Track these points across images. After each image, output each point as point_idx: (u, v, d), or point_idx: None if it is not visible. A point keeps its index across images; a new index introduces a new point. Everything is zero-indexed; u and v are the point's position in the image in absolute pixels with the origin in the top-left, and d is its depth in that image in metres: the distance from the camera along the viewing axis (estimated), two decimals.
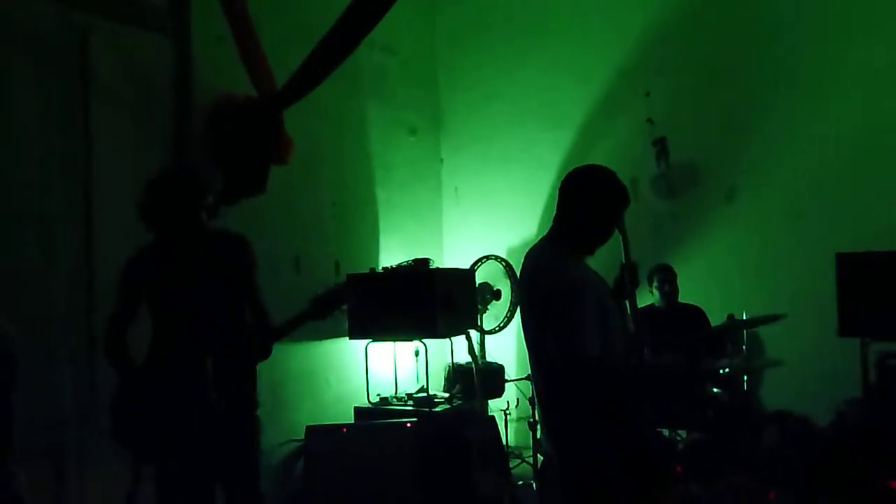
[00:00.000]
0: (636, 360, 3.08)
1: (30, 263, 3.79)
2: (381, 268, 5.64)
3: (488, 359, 6.18)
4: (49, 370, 3.78)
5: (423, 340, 5.37)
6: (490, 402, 5.83)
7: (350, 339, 5.42)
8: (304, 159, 5.08)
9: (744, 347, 4.72)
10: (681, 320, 5.31)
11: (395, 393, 5.60)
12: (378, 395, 5.50)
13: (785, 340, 5.26)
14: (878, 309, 4.65)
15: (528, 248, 3.08)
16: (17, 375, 2.72)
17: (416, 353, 5.58)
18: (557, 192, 3.01)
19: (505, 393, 6.00)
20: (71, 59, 4.01)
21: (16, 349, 2.71)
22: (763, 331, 5.36)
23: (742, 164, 5.97)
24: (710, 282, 5.81)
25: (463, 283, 5.69)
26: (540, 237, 3.09)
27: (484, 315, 6.16)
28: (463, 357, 5.68)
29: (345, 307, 3.40)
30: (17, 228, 3.74)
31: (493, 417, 5.35)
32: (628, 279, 3.08)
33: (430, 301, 5.14)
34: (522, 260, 3.06)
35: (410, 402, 5.36)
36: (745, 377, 4.78)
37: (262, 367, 3.24)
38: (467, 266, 6.29)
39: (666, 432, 4.78)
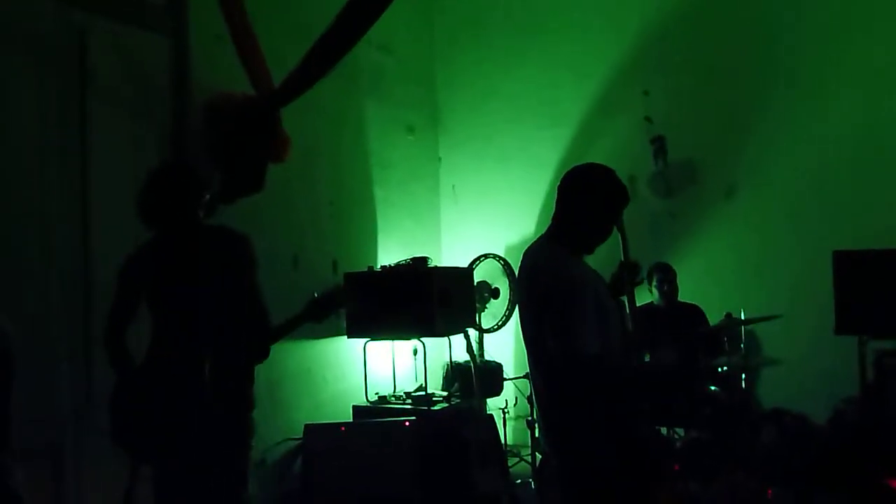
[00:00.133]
0: (635, 359, 3.08)
1: (28, 262, 3.78)
2: (379, 266, 5.64)
3: (487, 357, 6.19)
4: (47, 369, 3.77)
5: (422, 339, 5.37)
6: (488, 400, 5.84)
7: (348, 337, 5.42)
8: (302, 158, 5.07)
9: (742, 346, 4.72)
10: (679, 319, 5.31)
11: (394, 391, 5.61)
12: (376, 393, 5.51)
13: (783, 339, 5.27)
14: (876, 307, 4.65)
15: (527, 246, 3.08)
16: (15, 373, 2.72)
17: (415, 352, 5.58)
18: (556, 191, 3.02)
19: (503, 391, 6.01)
20: (69, 58, 4.00)
21: (13, 347, 2.71)
22: (761, 329, 5.36)
23: (740, 163, 5.97)
24: (708, 280, 5.82)
25: (461, 281, 5.69)
26: (538, 235, 3.09)
27: (482, 314, 6.16)
28: (461, 356, 5.68)
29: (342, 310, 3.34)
30: (16, 227, 3.73)
31: (491, 416, 5.34)
32: (628, 277, 3.08)
33: (428, 300, 5.14)
34: (521, 258, 3.06)
35: (409, 401, 5.36)
36: (743, 375, 4.79)
37: (261, 366, 3.22)
38: (465, 264, 6.29)
39: (664, 431, 4.79)
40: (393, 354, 5.75)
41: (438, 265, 5.73)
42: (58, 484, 3.79)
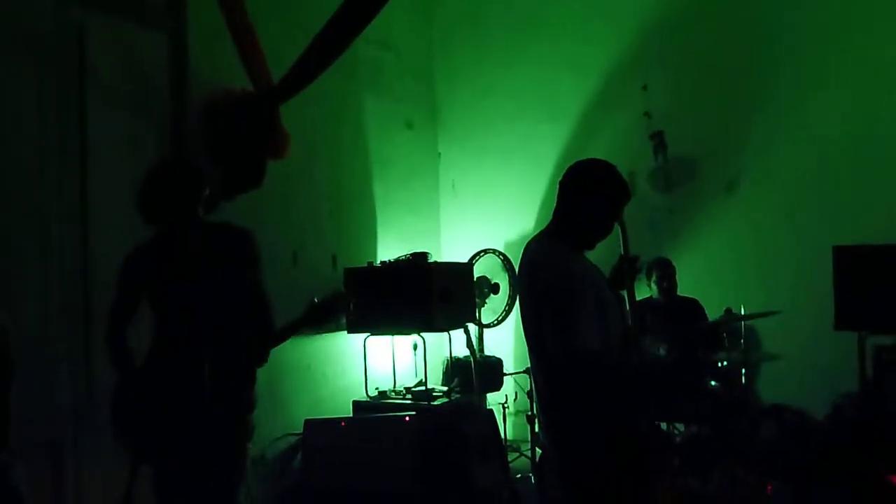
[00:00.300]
0: (635, 355, 3.08)
1: (27, 261, 3.78)
2: (378, 262, 5.64)
3: (486, 352, 6.19)
4: (46, 367, 3.77)
5: (422, 334, 5.37)
6: (488, 395, 5.84)
7: (348, 332, 5.42)
8: (301, 154, 5.07)
9: (741, 341, 4.72)
10: (678, 314, 5.31)
11: (394, 387, 5.61)
12: (376, 388, 5.51)
13: (782, 334, 5.27)
14: (875, 302, 4.65)
15: (526, 241, 3.08)
16: (14, 370, 2.72)
17: (415, 347, 5.58)
18: (557, 187, 3.01)
19: (503, 386, 6.02)
20: (68, 55, 3.99)
21: (11, 343, 2.71)
22: (760, 324, 5.36)
23: (740, 158, 5.97)
24: (707, 275, 5.82)
25: (461, 276, 5.69)
26: (538, 231, 3.09)
27: (482, 309, 6.16)
28: (461, 351, 5.68)
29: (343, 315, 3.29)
30: (15, 225, 3.73)
31: (491, 411, 5.35)
32: (627, 270, 3.08)
33: (428, 295, 5.14)
34: (521, 254, 3.06)
35: (409, 396, 5.37)
36: (743, 371, 4.79)
37: None
38: (465, 260, 6.29)
39: (664, 426, 4.79)
40: (393, 350, 5.75)
41: (438, 260, 5.73)
42: (57, 482, 3.79)
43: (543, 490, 4.74)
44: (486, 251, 6.36)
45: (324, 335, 5.56)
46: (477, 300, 6.02)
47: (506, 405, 5.96)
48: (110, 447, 3.44)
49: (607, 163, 3.02)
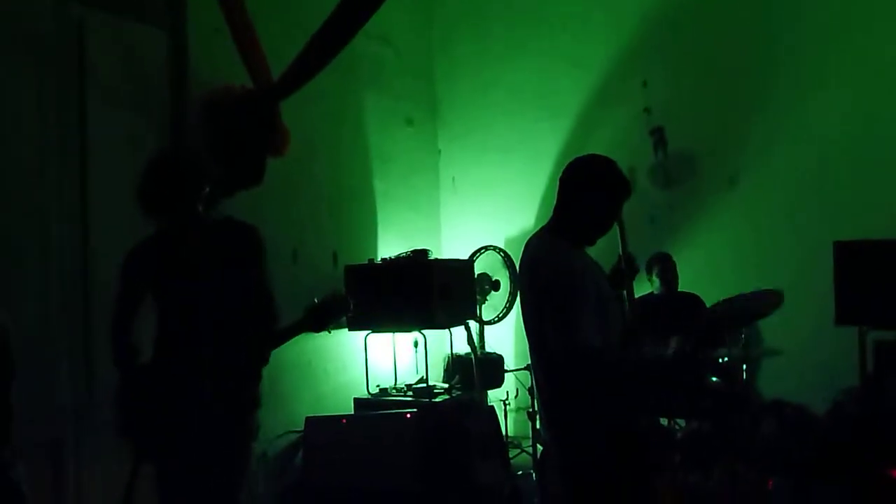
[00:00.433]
0: (635, 351, 3.09)
1: (27, 258, 3.78)
2: (379, 259, 5.64)
3: (487, 349, 6.19)
4: (47, 365, 3.77)
5: (422, 331, 5.37)
6: (489, 392, 5.85)
7: (349, 330, 5.43)
8: (301, 151, 5.07)
9: (742, 337, 4.72)
10: (679, 309, 5.31)
11: (395, 384, 5.61)
12: (377, 386, 5.51)
13: (783, 330, 5.26)
14: (876, 297, 4.65)
15: (527, 238, 3.08)
16: (14, 368, 2.72)
17: (416, 344, 5.58)
18: (558, 183, 3.01)
19: (504, 383, 6.02)
20: (68, 52, 3.99)
21: (12, 341, 2.71)
22: (761, 320, 5.36)
23: (740, 154, 5.97)
24: (707, 271, 5.81)
25: (461, 273, 5.69)
26: (538, 227, 3.09)
27: (483, 306, 6.16)
28: (462, 348, 5.69)
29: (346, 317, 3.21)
30: (14, 224, 3.73)
31: (492, 408, 5.35)
32: (626, 270, 3.08)
33: (428, 292, 5.14)
34: (521, 250, 3.06)
35: (410, 393, 5.37)
36: (744, 367, 4.79)
37: None
38: (466, 257, 6.29)
39: (665, 422, 4.79)
40: (394, 347, 5.75)
41: (439, 257, 5.73)
42: (58, 481, 3.79)
43: (544, 486, 4.74)
44: (486, 248, 6.36)
45: (324, 332, 5.55)
46: (478, 297, 6.02)
47: (507, 402, 5.97)
48: (111, 446, 3.45)
49: (607, 159, 3.02)
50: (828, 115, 5.61)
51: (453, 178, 7.14)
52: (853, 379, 4.73)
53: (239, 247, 3.05)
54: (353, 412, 5.29)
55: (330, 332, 3.13)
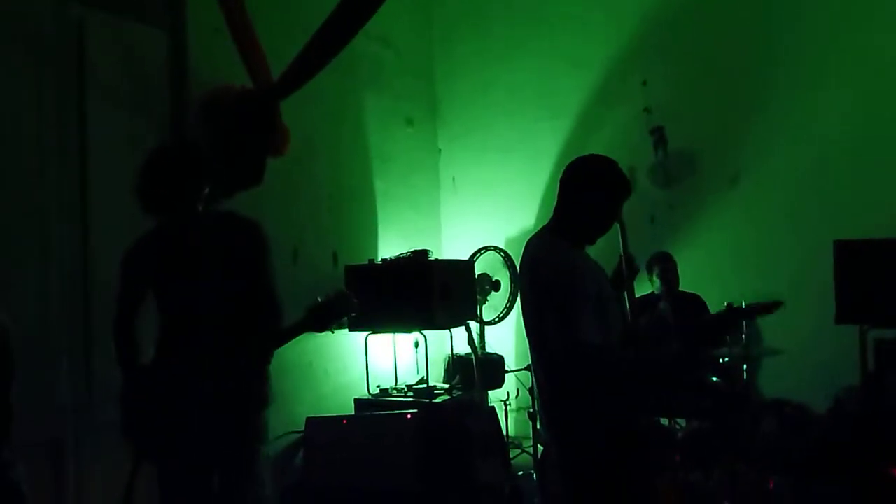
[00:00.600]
0: (635, 350, 3.09)
1: (26, 257, 3.77)
2: (379, 259, 5.64)
3: (488, 350, 6.19)
4: (47, 364, 3.77)
5: (423, 332, 5.37)
6: (490, 392, 5.84)
7: (349, 330, 5.42)
8: (301, 151, 5.07)
9: (742, 336, 4.72)
10: (681, 309, 5.31)
11: (395, 384, 5.61)
12: (378, 386, 5.51)
13: (783, 329, 5.26)
14: (876, 296, 4.65)
15: (527, 238, 3.08)
16: (14, 368, 2.72)
17: (416, 345, 5.58)
18: (558, 183, 3.01)
19: (505, 384, 6.01)
20: (67, 52, 3.99)
21: (12, 341, 2.70)
22: (761, 319, 5.37)
23: (740, 153, 5.97)
24: (707, 271, 5.81)
25: (462, 274, 5.69)
26: (538, 227, 3.09)
27: (483, 306, 6.16)
28: (462, 348, 5.68)
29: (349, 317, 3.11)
30: (13, 221, 3.73)
31: (493, 408, 5.35)
32: (627, 270, 3.09)
33: (429, 292, 5.14)
34: (522, 250, 3.06)
35: (410, 394, 5.36)
36: (744, 366, 4.79)
37: None
38: (466, 257, 6.28)
39: (665, 421, 4.79)
40: (394, 347, 5.75)
41: (439, 258, 5.73)
42: (58, 480, 3.79)
43: (545, 486, 4.75)
44: (486, 248, 6.36)
45: (325, 332, 5.55)
46: (478, 297, 6.02)
47: (507, 402, 5.96)
48: (111, 445, 3.45)
49: (608, 158, 3.03)
50: (828, 115, 5.61)
51: (453, 178, 7.14)
52: (853, 378, 4.73)
53: (241, 243, 3.01)
54: (353, 413, 5.29)
55: (333, 333, 3.07)
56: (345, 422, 4.65)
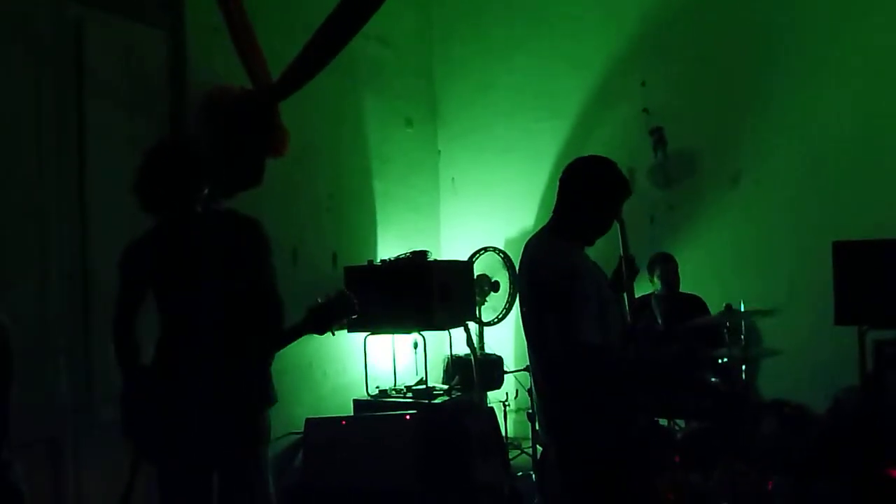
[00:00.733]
0: (634, 351, 3.09)
1: (25, 256, 3.77)
2: (378, 260, 5.64)
3: (487, 350, 6.19)
4: (46, 365, 3.77)
5: (422, 332, 5.37)
6: (489, 393, 5.84)
7: (348, 331, 5.42)
8: (301, 151, 5.06)
9: (741, 337, 4.71)
10: (681, 310, 5.31)
11: (394, 385, 5.60)
12: (377, 387, 5.51)
13: (782, 329, 5.26)
14: (875, 297, 4.66)
15: (526, 239, 3.08)
16: (13, 366, 2.71)
17: (415, 346, 5.57)
18: (558, 183, 3.02)
19: (504, 384, 6.01)
20: (66, 51, 3.98)
21: (11, 341, 2.70)
22: (761, 320, 5.36)
23: (739, 154, 5.98)
24: (706, 271, 5.82)
25: (461, 274, 5.69)
26: (538, 228, 3.09)
27: (482, 307, 6.16)
28: (461, 349, 5.68)
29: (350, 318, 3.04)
30: (12, 221, 3.72)
31: (492, 409, 5.35)
32: (626, 270, 3.09)
33: (428, 293, 5.14)
34: (521, 251, 3.06)
35: (409, 395, 5.36)
36: (743, 366, 4.79)
37: None
38: (465, 258, 6.28)
39: (665, 422, 4.79)
40: (393, 348, 5.74)
41: (438, 258, 5.73)
42: (57, 480, 3.78)
43: (544, 487, 4.75)
44: (486, 249, 6.36)
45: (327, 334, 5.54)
46: (477, 298, 6.02)
47: (506, 403, 5.96)
48: (110, 445, 3.45)
49: (607, 159, 3.03)
50: (828, 115, 5.62)
51: (453, 179, 7.14)
52: (852, 378, 4.73)
53: (242, 242, 2.99)
54: (352, 413, 5.29)
55: (334, 335, 3.05)
56: (344, 423, 4.65)
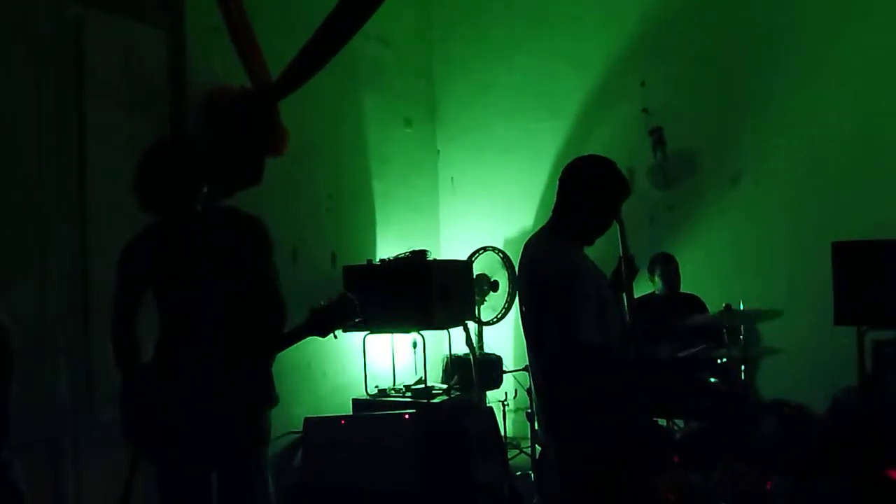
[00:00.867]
0: (634, 351, 3.09)
1: (25, 256, 3.77)
2: (378, 260, 5.63)
3: (486, 350, 6.19)
4: (46, 365, 3.77)
5: (421, 332, 5.37)
6: (488, 393, 5.84)
7: (347, 331, 5.41)
8: (300, 151, 5.06)
9: (741, 337, 4.72)
10: (680, 310, 5.31)
11: (393, 385, 5.60)
12: (376, 386, 5.50)
13: (782, 329, 5.26)
14: (874, 297, 4.66)
15: (525, 238, 3.08)
16: (13, 366, 2.71)
17: (414, 345, 5.57)
18: (557, 183, 3.02)
19: (503, 384, 6.01)
20: (65, 51, 3.98)
21: (11, 340, 2.70)
22: (759, 323, 5.37)
23: (739, 154, 5.98)
24: (706, 271, 5.82)
25: (460, 274, 5.68)
26: (537, 227, 3.10)
27: (481, 306, 6.16)
28: (461, 348, 5.68)
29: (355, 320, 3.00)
30: (12, 221, 3.72)
31: (491, 408, 5.35)
32: (626, 270, 3.09)
33: (427, 293, 5.14)
34: (521, 251, 3.06)
35: (408, 394, 5.36)
36: (743, 366, 4.79)
37: None
38: (464, 257, 6.28)
39: (664, 422, 4.79)
40: (392, 348, 5.74)
41: (437, 258, 5.73)
42: (57, 479, 3.78)
43: (543, 486, 4.75)
44: (485, 248, 6.36)
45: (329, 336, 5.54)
46: (476, 298, 6.02)
47: (505, 403, 5.96)
48: (110, 445, 3.44)
49: (607, 159, 3.03)
50: (827, 115, 5.62)
51: (452, 179, 7.14)
52: (852, 379, 4.73)
53: (244, 240, 2.98)
54: (351, 413, 5.28)
55: (336, 338, 3.04)
56: (343, 422, 4.65)
